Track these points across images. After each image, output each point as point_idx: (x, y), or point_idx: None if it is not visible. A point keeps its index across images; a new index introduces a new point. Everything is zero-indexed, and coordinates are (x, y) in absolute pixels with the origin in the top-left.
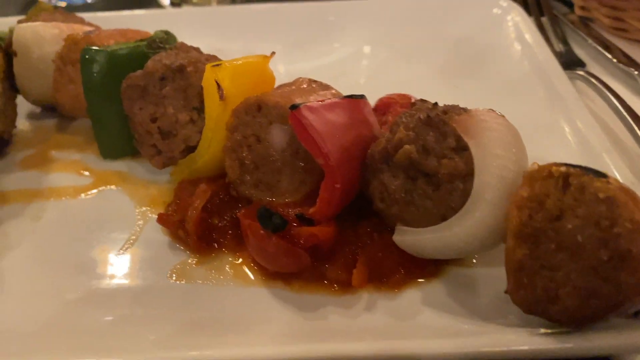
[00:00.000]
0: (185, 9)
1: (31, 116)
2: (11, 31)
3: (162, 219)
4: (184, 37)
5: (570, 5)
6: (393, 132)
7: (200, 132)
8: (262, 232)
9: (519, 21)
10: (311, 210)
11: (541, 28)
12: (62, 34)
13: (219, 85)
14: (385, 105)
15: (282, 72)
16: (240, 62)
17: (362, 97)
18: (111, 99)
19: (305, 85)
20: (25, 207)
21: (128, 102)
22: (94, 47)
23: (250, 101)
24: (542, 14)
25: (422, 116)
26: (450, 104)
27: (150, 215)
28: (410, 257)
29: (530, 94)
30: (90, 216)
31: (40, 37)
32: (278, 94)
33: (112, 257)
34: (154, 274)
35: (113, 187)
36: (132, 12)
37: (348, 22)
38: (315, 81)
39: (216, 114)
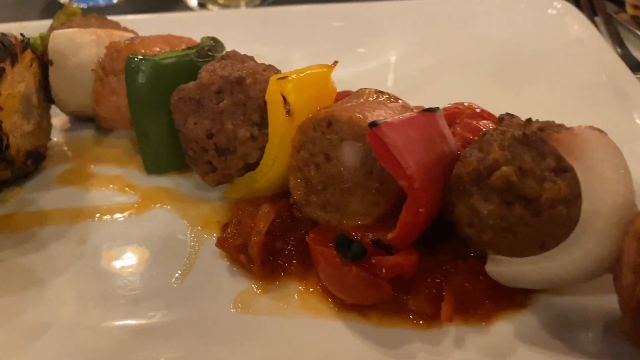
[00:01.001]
0: (213, 12)
1: (65, 127)
2: (42, 38)
3: (221, 243)
4: None
5: (620, 4)
6: (485, 152)
7: (261, 149)
8: (339, 260)
9: (576, 22)
10: (389, 235)
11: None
12: (100, 41)
13: (285, 100)
14: (451, 116)
15: None
16: (304, 73)
17: (437, 109)
18: (158, 111)
19: (373, 97)
20: (69, 229)
21: (180, 116)
22: (139, 56)
23: (320, 116)
24: (594, 14)
25: (516, 134)
26: (515, 112)
27: (205, 237)
28: (497, 285)
29: (600, 101)
30: (139, 238)
31: (77, 44)
32: (348, 108)
33: (168, 285)
34: (215, 304)
35: (161, 205)
36: (161, 15)
37: (389, 24)
38: (381, 92)
39: (281, 131)
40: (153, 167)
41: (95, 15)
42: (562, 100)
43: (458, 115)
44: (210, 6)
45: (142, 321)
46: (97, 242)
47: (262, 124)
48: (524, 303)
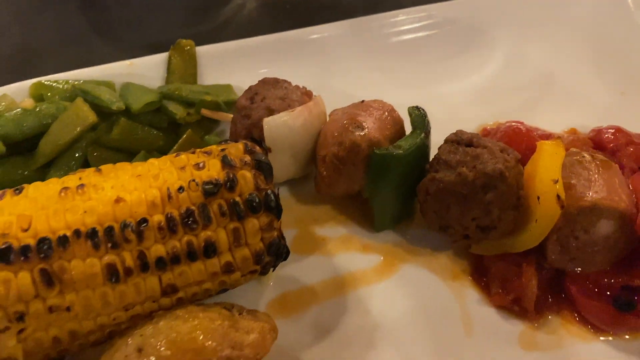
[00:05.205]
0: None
1: None
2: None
3: (498, 301)
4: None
5: None
6: None
7: (515, 222)
8: (617, 313)
9: None
10: (638, 282)
11: None
12: (306, 120)
13: (559, 198)
14: (612, 142)
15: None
16: (558, 161)
17: None
18: (395, 186)
19: (597, 167)
20: (344, 301)
21: (438, 202)
22: (383, 150)
23: (584, 205)
24: None
25: None
26: (621, 117)
27: (462, 289)
28: None
29: None
30: (411, 299)
31: (292, 130)
32: (599, 191)
33: (462, 339)
34: (502, 346)
35: (406, 262)
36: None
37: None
38: (593, 155)
39: (552, 219)
40: (382, 226)
41: (266, 79)
42: None
43: (619, 145)
44: None
45: None
46: (376, 310)
47: (518, 204)
48: None
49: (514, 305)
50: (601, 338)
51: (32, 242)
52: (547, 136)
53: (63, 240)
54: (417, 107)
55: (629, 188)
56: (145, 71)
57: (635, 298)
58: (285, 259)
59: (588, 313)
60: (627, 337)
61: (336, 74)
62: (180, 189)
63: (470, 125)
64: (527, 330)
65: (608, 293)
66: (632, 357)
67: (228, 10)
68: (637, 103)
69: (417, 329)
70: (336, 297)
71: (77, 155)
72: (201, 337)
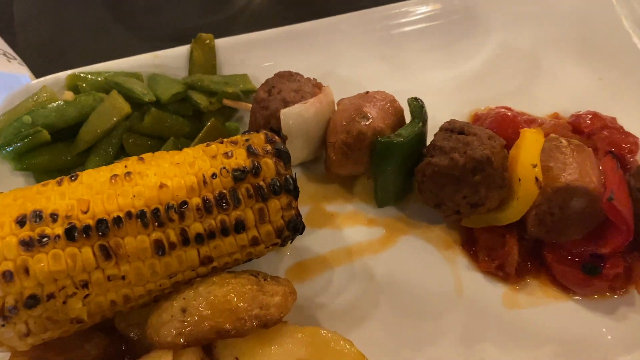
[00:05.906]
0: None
1: None
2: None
3: (484, 267)
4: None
5: None
6: None
7: (500, 199)
8: (585, 277)
9: None
10: (603, 250)
11: None
12: (318, 110)
13: (537, 180)
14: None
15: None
16: (537, 149)
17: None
18: (396, 168)
19: (570, 151)
20: (353, 267)
21: (433, 183)
22: (386, 138)
23: (559, 185)
24: None
25: None
26: (597, 102)
27: (454, 257)
28: None
29: None
30: (410, 263)
31: (306, 119)
32: (572, 173)
33: (452, 296)
34: (487, 305)
35: (405, 234)
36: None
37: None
38: (569, 141)
39: (531, 197)
40: (385, 203)
41: (281, 73)
42: None
43: (593, 128)
44: None
45: (446, 321)
46: (380, 275)
47: (503, 184)
48: None
49: (498, 271)
50: (574, 298)
51: (91, 222)
52: (532, 121)
53: (117, 221)
54: (415, 99)
55: (599, 169)
56: (169, 62)
57: (601, 264)
58: (301, 233)
59: (562, 277)
60: (595, 297)
61: (342, 64)
62: (214, 175)
63: (464, 109)
64: (509, 291)
65: (578, 260)
66: (597, 314)
67: (240, 1)
68: (614, 88)
69: (416, 291)
70: (345, 264)
71: (113, 141)
72: (235, 299)
